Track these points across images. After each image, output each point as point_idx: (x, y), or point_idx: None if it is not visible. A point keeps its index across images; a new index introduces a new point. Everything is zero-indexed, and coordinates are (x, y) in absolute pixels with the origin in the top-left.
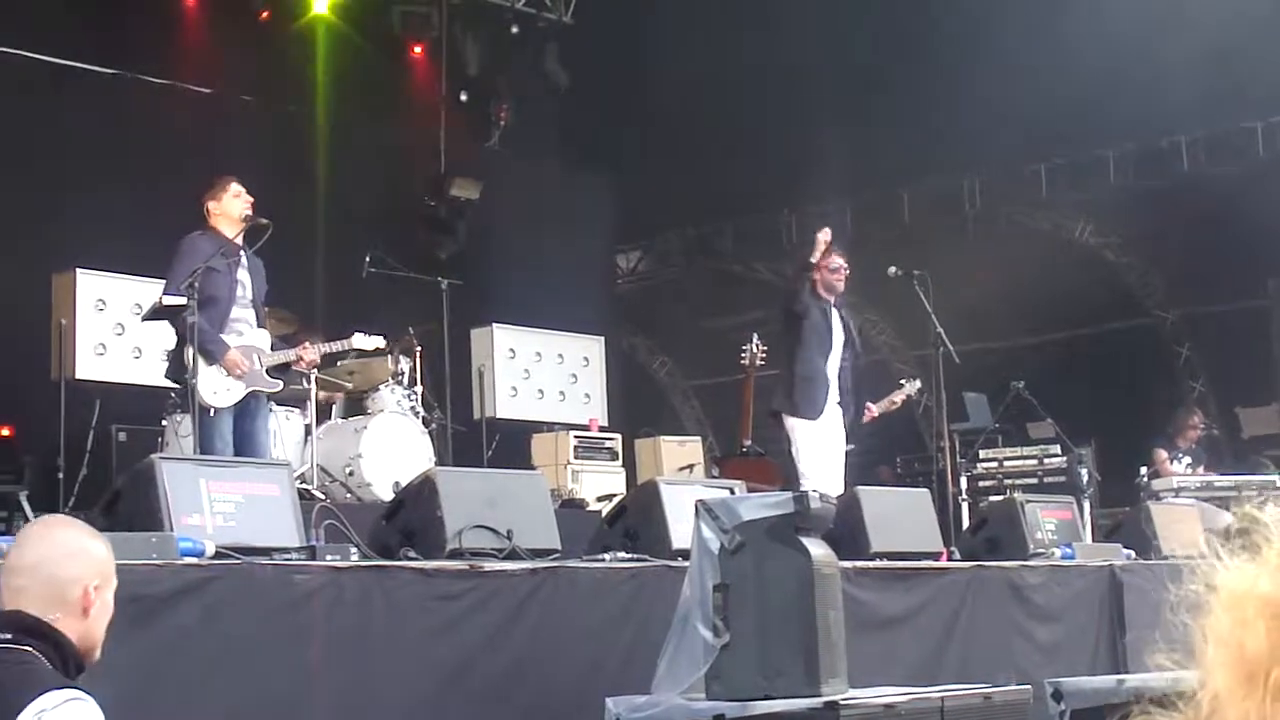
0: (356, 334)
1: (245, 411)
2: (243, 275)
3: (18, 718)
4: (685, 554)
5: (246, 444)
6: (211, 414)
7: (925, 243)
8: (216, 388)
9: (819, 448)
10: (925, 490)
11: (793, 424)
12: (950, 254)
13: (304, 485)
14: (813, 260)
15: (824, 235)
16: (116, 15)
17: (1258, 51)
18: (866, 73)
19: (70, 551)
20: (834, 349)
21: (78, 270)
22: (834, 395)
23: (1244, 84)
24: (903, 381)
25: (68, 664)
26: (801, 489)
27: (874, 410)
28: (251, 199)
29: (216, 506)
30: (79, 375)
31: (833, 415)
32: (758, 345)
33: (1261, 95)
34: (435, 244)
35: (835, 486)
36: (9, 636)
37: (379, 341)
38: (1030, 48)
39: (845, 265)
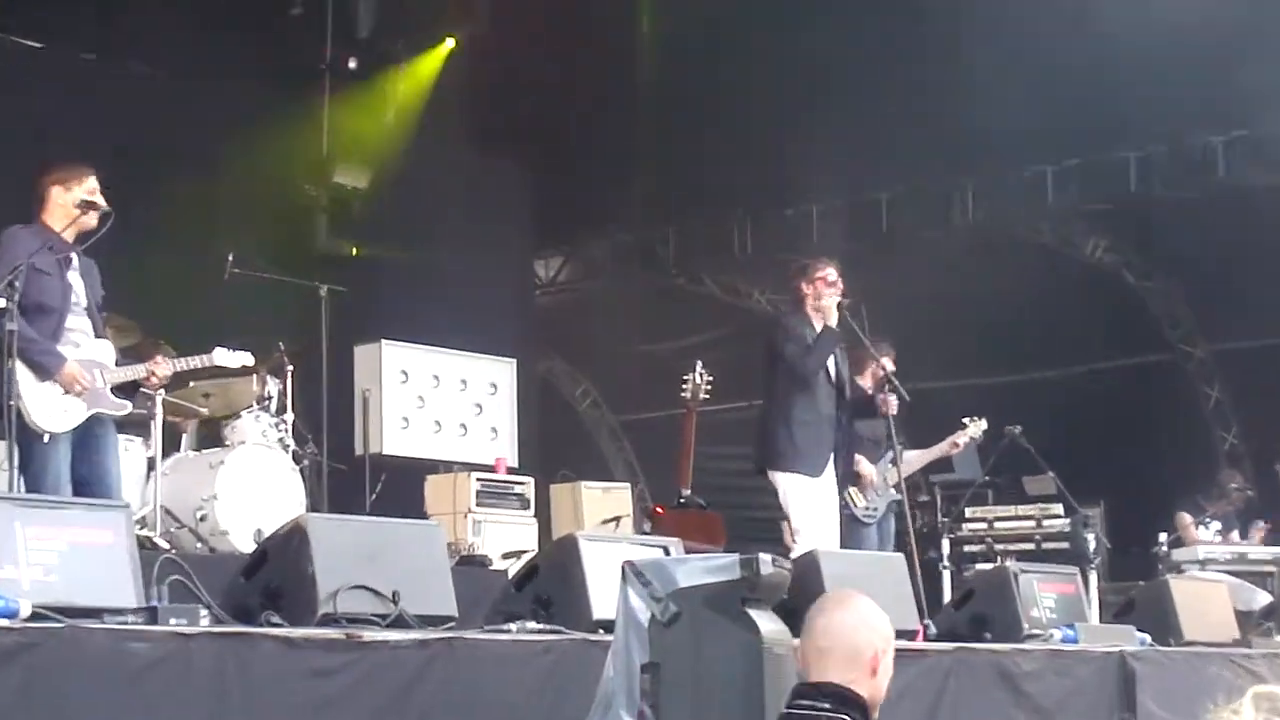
0: (218, 349)
1: (90, 439)
2: (74, 278)
3: None
4: (609, 626)
5: (95, 479)
6: (45, 440)
7: (905, 255)
8: (51, 409)
9: (818, 505)
10: (899, 554)
11: (788, 480)
12: (933, 270)
13: (145, 532)
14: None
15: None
16: None
17: None
18: (846, 58)
19: (864, 617)
20: (833, 389)
21: None
22: (833, 446)
23: None
24: (965, 420)
25: None
26: (761, 552)
27: (927, 455)
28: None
29: (35, 556)
30: None
31: (830, 470)
32: (702, 375)
33: None
34: (314, 242)
35: (830, 544)
36: (828, 705)
37: (245, 359)
38: (1037, 30)
39: (838, 273)
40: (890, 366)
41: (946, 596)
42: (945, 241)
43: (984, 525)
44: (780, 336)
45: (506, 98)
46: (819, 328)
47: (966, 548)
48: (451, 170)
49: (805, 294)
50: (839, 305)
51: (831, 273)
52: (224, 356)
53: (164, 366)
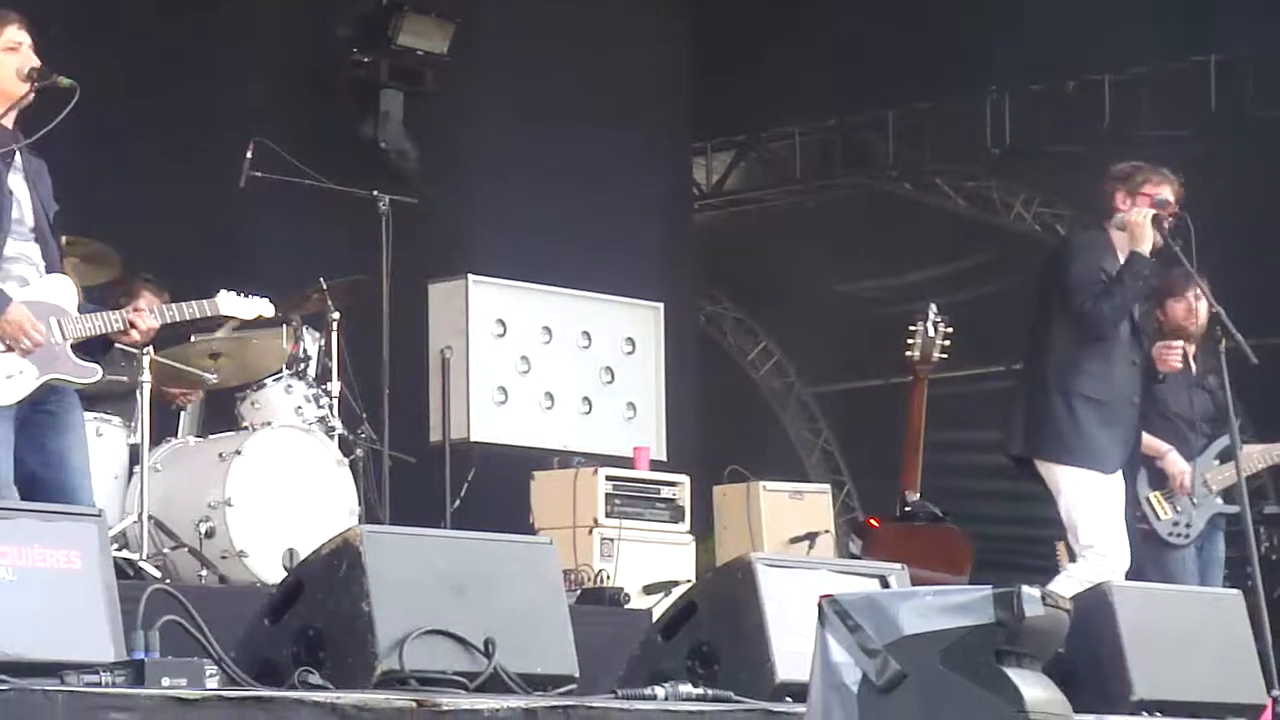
0: (223, 294)
1: (41, 418)
2: (17, 183)
3: None
4: (799, 692)
5: (49, 477)
6: None
7: (1238, 148)
8: None
9: (1117, 513)
10: (1234, 592)
11: (1073, 476)
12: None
13: (126, 553)
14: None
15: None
16: None
17: None
18: None
19: None
20: (1139, 351)
21: None
22: (1134, 430)
23: None
24: None
25: None
26: (1023, 585)
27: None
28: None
29: None
30: None
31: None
32: (936, 326)
33: None
34: (368, 132)
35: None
36: None
37: (262, 307)
38: None
39: (1175, 199)
40: (1201, 313)
41: None
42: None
43: None
44: (1064, 266)
45: None
46: (1122, 258)
47: None
48: (571, 24)
49: (1118, 209)
50: (1156, 219)
51: (1166, 192)
52: (231, 303)
53: (149, 316)
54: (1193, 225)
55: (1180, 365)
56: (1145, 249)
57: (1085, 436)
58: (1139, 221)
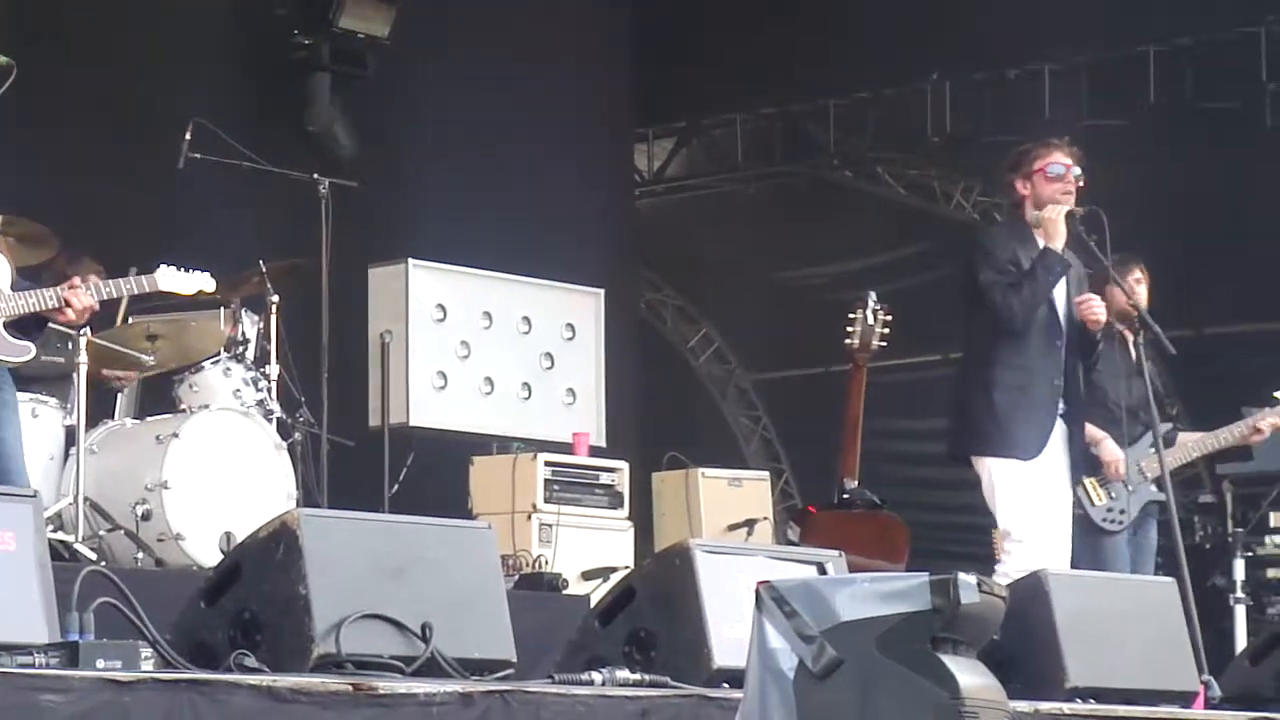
0: (163, 268)
1: None
2: None
3: None
4: (736, 677)
5: None
6: None
7: (1181, 139)
8: None
9: (1038, 500)
10: (1167, 580)
11: (992, 467)
12: (1229, 163)
13: (61, 535)
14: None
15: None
16: None
17: None
18: None
19: None
20: (1061, 332)
21: None
22: (1057, 414)
23: None
24: (1279, 394)
25: None
26: (962, 572)
27: (1213, 440)
28: None
29: None
30: None
31: (1057, 449)
32: (875, 314)
33: None
34: (308, 115)
35: (1058, 562)
36: None
37: (203, 282)
38: None
39: (1077, 170)
40: (1141, 297)
41: (1240, 643)
42: (1246, 115)
43: None
44: (976, 262)
45: None
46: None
47: (1271, 571)
48: (512, 9)
49: (1022, 196)
50: (1069, 215)
51: (1058, 163)
52: (171, 279)
53: (85, 293)
54: (1107, 220)
55: (1103, 317)
56: (1058, 245)
57: (1002, 426)
58: (1052, 218)
